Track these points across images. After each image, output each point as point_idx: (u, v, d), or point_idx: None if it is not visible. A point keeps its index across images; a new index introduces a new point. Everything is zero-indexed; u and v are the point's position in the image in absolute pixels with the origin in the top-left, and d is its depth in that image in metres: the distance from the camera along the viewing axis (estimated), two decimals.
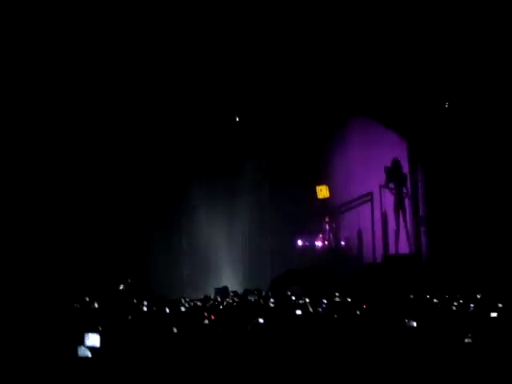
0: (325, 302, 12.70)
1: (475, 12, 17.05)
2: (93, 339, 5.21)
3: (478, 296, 13.48)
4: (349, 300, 13.10)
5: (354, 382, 7.22)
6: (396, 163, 20.19)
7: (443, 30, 17.62)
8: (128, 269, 17.97)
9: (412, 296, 13.98)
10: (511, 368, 6.47)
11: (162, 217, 19.43)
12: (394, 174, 20.20)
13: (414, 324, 9.06)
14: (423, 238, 19.77)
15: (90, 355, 5.06)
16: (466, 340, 8.25)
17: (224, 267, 19.82)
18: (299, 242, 20.64)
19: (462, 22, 17.37)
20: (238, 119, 20.69)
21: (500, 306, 11.81)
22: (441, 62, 18.33)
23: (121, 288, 12.25)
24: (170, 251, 19.53)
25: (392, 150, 20.25)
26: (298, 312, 11.30)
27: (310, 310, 11.46)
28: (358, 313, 10.25)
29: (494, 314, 10.51)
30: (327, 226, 20.71)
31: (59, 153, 17.66)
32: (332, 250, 20.55)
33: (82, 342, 5.21)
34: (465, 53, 17.86)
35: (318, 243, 20.61)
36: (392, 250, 20.02)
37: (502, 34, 17.14)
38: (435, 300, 13.18)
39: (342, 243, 20.69)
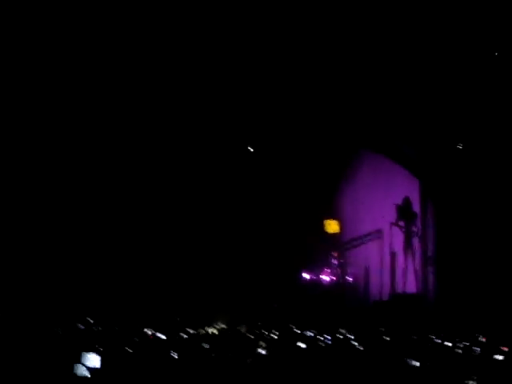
0: (329, 337, 12.62)
1: (490, 52, 17.15)
2: (93, 360, 5.18)
3: (483, 339, 13.31)
4: (352, 336, 12.99)
5: None
6: (407, 201, 20.11)
7: (461, 70, 17.71)
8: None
9: (415, 337, 13.84)
10: None
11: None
12: (404, 212, 20.10)
13: (417, 364, 8.98)
14: (431, 278, 19.59)
15: (88, 375, 5.03)
16: (471, 383, 8.17)
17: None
18: (306, 276, 20.56)
19: (478, 62, 17.46)
20: (251, 150, 20.80)
21: (505, 349, 11.66)
22: (456, 103, 18.38)
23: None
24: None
25: (403, 188, 20.21)
26: (302, 345, 11.24)
27: None
28: (362, 349, 10.18)
29: (499, 357, 10.41)
30: (335, 261, 20.63)
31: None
32: (339, 285, 20.44)
33: (81, 362, 5.18)
34: (480, 95, 17.92)
35: (325, 278, 20.51)
36: (399, 288, 19.85)
37: None
38: (439, 341, 13.04)
39: (350, 279, 20.58)
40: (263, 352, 10.32)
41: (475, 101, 18.05)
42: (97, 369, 5.10)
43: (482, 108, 18.06)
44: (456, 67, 17.63)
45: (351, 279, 20.56)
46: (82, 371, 5.10)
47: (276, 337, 13.45)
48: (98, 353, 5.27)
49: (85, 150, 18.63)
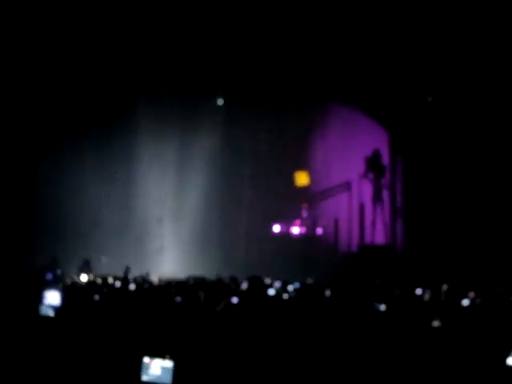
0: (297, 284, 12.72)
1: (460, 8, 17.09)
2: (52, 297, 5.12)
3: (446, 287, 13.53)
4: (321, 284, 13.10)
5: (321, 360, 7.21)
6: (376, 154, 20.17)
7: (431, 25, 17.64)
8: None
9: (381, 283, 14.03)
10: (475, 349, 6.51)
11: None
12: (373, 164, 20.18)
13: (382, 307, 9.10)
14: (399, 230, 19.80)
15: (52, 315, 4.98)
16: (435, 324, 8.31)
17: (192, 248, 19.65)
18: (276, 228, 20.57)
19: (449, 19, 17.40)
20: (222, 101, 20.63)
21: (471, 296, 11.87)
22: (426, 57, 18.35)
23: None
24: None
25: (373, 140, 20.23)
26: (272, 292, 11.31)
27: None
28: (329, 294, 10.28)
29: (465, 303, 10.61)
30: (305, 213, 20.66)
31: None
32: (309, 237, 20.53)
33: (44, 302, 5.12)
34: (449, 49, 17.90)
35: (295, 230, 20.55)
36: (368, 239, 20.04)
37: (485, 32, 17.21)
38: (406, 288, 13.22)
39: (319, 231, 20.66)
40: (235, 300, 10.37)
41: (447, 53, 18.04)
42: (58, 307, 5.06)
43: (453, 61, 18.07)
44: (429, 20, 17.57)
45: (321, 231, 20.65)
46: (46, 311, 5.05)
47: (246, 286, 13.48)
48: (58, 290, 5.21)
49: None
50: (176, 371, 3.97)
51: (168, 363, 4.01)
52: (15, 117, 17.93)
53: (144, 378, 4.03)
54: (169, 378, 4.00)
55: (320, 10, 17.79)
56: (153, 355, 4.00)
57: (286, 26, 18.33)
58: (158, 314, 7.24)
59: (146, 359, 4.01)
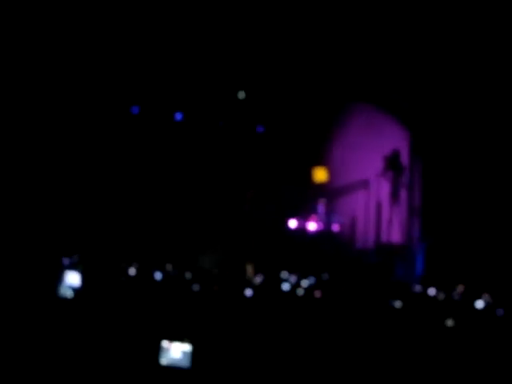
0: (313, 279, 12.80)
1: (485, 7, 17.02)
2: (72, 278, 5.20)
3: (461, 287, 13.52)
4: (335, 280, 13.17)
5: (334, 356, 7.26)
6: (396, 153, 20.14)
7: (454, 23, 17.57)
8: None
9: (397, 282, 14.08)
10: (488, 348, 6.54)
11: None
12: (392, 163, 20.14)
13: (398, 304, 9.15)
14: (416, 229, 19.80)
15: (71, 296, 5.05)
16: (448, 323, 8.35)
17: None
18: (292, 224, 20.57)
19: (474, 18, 17.33)
20: (243, 96, 20.66)
21: (486, 298, 11.86)
22: (448, 58, 18.30)
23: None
24: None
25: (393, 139, 20.21)
26: (286, 287, 11.39)
27: None
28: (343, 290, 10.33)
29: (479, 304, 10.61)
30: (322, 209, 20.65)
31: None
32: (325, 233, 20.52)
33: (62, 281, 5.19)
34: (472, 50, 17.84)
35: (311, 226, 20.55)
36: (384, 238, 20.02)
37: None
38: (420, 288, 13.25)
39: (336, 227, 20.65)
40: (249, 293, 10.46)
41: (469, 55, 17.99)
42: (78, 289, 5.13)
43: (476, 63, 18.01)
44: (452, 21, 17.53)
45: (337, 227, 20.63)
46: (65, 291, 5.12)
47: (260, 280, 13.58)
48: (79, 271, 5.28)
49: None
50: (195, 355, 4.02)
51: (187, 347, 4.06)
52: None
53: (163, 361, 4.09)
54: (188, 361, 4.05)
55: (339, 7, 17.81)
56: (172, 339, 4.05)
57: (306, 23, 18.38)
58: (177, 300, 7.34)
59: (165, 343, 4.06)
